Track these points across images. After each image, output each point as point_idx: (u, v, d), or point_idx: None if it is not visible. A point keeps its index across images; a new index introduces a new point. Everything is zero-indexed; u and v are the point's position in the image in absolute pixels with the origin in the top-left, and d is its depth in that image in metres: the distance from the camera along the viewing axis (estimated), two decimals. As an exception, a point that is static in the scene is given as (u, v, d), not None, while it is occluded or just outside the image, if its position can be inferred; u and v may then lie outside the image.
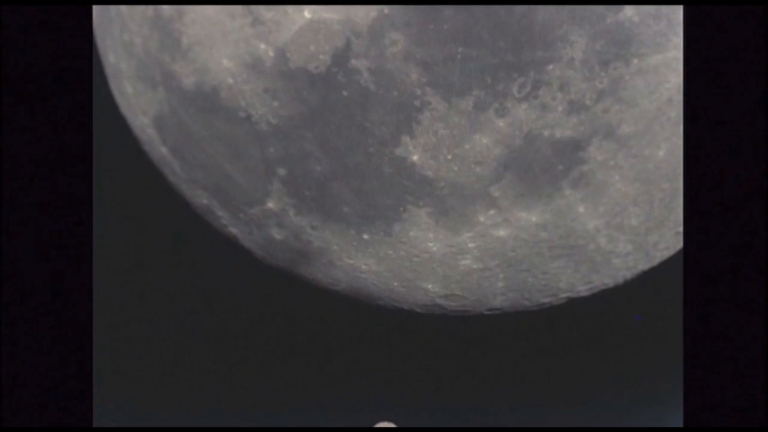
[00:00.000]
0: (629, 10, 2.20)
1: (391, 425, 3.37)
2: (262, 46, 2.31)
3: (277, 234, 2.76)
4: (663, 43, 2.26)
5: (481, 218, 2.52)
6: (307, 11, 2.23)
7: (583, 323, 4.06)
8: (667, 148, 2.44)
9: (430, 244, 2.61)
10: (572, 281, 2.83)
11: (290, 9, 2.24)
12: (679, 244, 2.85)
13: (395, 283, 2.83)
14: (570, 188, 2.46)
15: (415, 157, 2.37)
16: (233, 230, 2.92)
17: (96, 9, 2.79)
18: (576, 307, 3.12)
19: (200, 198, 2.86)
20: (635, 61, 2.25)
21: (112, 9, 2.63)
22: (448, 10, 2.16)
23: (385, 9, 2.18)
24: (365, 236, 2.63)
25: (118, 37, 2.65)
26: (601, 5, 2.17)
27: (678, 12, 2.23)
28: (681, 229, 2.73)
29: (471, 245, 2.60)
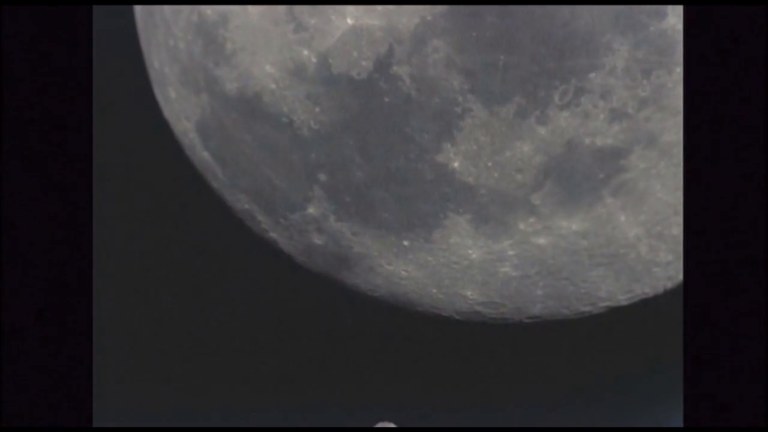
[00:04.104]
0: (672, 18, 2.19)
1: (391, 425, 3.37)
2: (305, 52, 2.32)
3: (317, 239, 2.77)
4: (706, 52, 2.24)
5: (521, 226, 2.51)
6: (350, 18, 2.24)
7: (616, 331, 4.05)
8: (709, 157, 2.43)
9: (470, 251, 2.61)
10: (612, 290, 2.82)
11: (333, 15, 2.25)
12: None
13: (434, 290, 2.83)
14: (611, 196, 2.45)
15: (455, 164, 2.37)
16: (274, 235, 2.93)
17: (141, 15, 2.82)
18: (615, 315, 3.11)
19: (241, 203, 2.88)
20: (678, 69, 2.24)
21: (157, 15, 2.66)
22: (490, 17, 2.16)
23: (428, 16, 2.18)
24: (405, 242, 2.63)
25: (163, 43, 2.67)
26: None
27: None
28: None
29: (511, 253, 2.60)
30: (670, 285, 2.90)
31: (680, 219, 2.56)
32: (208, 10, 2.44)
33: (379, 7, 2.21)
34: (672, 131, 2.34)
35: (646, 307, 3.07)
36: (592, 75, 2.21)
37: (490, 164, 2.36)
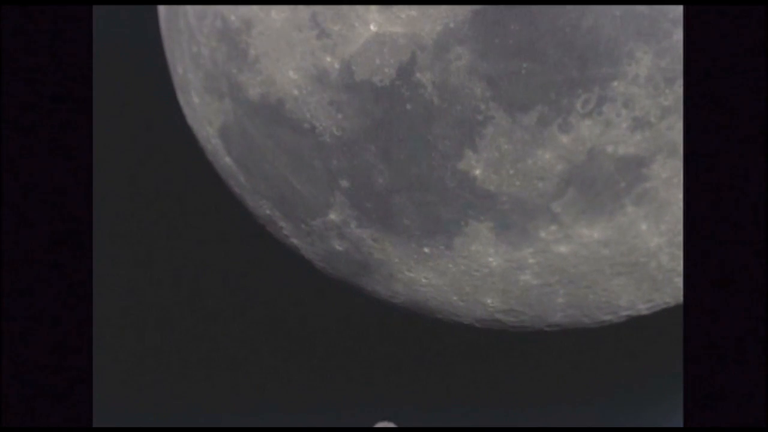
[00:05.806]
0: (696, 27, 2.19)
1: (391, 425, 3.37)
2: (328, 58, 2.33)
3: (338, 245, 2.77)
4: (730, 61, 2.24)
5: (543, 234, 2.51)
6: (373, 25, 2.25)
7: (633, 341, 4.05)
8: (732, 166, 2.42)
9: (491, 259, 2.61)
10: (633, 299, 2.81)
11: (356, 22, 2.26)
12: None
13: (454, 297, 2.83)
14: (632, 205, 2.44)
15: (477, 172, 2.37)
16: (295, 241, 2.94)
17: (164, 21, 2.84)
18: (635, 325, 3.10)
19: (263, 208, 2.88)
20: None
21: (181, 20, 2.67)
22: (513, 24, 2.16)
23: (451, 23, 2.19)
24: (426, 249, 2.64)
25: (187, 49, 2.69)
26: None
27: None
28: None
29: (531, 261, 2.60)
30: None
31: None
32: (232, 15, 2.46)
33: (403, 15, 2.22)
34: (695, 140, 2.33)
35: (667, 316, 3.06)
36: (614, 83, 2.21)
37: (511, 172, 2.36)
